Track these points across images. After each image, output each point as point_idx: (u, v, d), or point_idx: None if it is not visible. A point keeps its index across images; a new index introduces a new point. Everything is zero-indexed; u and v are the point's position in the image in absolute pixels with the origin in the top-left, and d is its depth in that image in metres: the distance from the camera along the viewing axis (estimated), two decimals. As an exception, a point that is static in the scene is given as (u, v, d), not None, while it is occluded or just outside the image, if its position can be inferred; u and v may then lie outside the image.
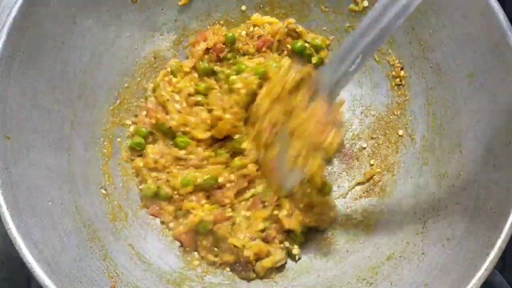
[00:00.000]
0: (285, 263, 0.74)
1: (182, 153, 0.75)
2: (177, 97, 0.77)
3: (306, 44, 0.79)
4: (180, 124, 0.76)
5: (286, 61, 0.74)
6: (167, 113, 0.77)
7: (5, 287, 0.76)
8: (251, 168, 0.73)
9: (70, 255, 0.61)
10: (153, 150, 0.76)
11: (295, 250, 0.73)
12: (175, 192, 0.74)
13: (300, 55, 0.79)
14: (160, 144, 0.77)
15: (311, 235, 0.76)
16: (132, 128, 0.78)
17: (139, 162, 0.77)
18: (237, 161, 0.74)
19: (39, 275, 0.55)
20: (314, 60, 0.79)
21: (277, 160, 0.72)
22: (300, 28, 0.80)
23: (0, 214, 0.57)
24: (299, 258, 0.74)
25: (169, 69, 0.79)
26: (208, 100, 0.77)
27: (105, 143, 0.76)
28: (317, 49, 0.80)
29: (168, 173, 0.75)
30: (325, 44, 0.80)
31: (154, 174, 0.76)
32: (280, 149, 0.71)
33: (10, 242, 0.56)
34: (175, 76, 0.79)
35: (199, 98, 0.78)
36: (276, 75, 0.72)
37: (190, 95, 0.78)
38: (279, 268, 0.73)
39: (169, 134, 0.77)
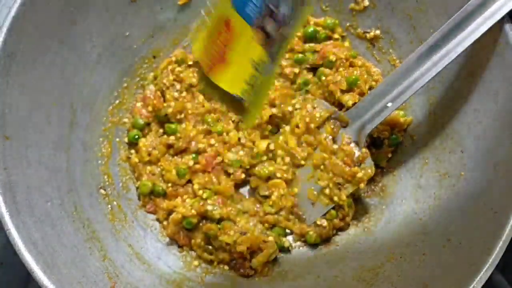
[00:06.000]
0: (279, 257, 0.75)
1: (172, 138, 0.76)
2: (177, 86, 0.78)
3: (318, 28, 0.79)
4: (177, 111, 0.76)
5: (312, 100, 0.75)
6: (164, 101, 0.78)
7: (4, 288, 0.76)
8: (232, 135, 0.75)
9: (69, 255, 0.61)
10: (145, 143, 0.77)
11: (286, 242, 0.74)
12: (170, 185, 0.75)
13: (315, 40, 0.79)
14: (151, 136, 0.78)
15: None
16: (128, 122, 0.79)
17: (134, 158, 0.77)
18: (219, 126, 0.76)
19: (38, 275, 0.55)
20: (336, 35, 0.79)
21: (298, 196, 0.74)
22: None
23: (-1, 214, 0.57)
24: (292, 248, 0.75)
25: (174, 59, 0.79)
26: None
27: (104, 143, 0.76)
28: (331, 29, 0.79)
29: (162, 168, 0.76)
30: (336, 24, 0.80)
31: (149, 168, 0.77)
32: (301, 185, 0.74)
33: (9, 242, 0.56)
34: (179, 66, 0.79)
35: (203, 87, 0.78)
36: (300, 113, 0.74)
37: (191, 85, 0.78)
38: (280, 271, 0.74)
39: (165, 123, 0.78)
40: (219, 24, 0.51)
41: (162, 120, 0.78)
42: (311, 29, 0.79)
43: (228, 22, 0.50)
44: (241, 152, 0.75)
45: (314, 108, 0.73)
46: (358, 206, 0.76)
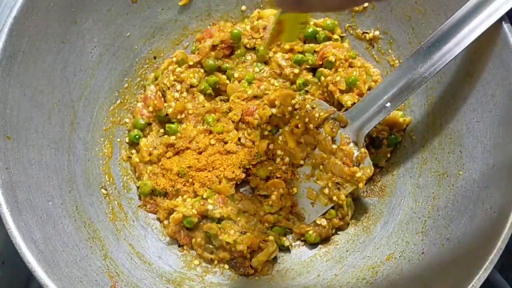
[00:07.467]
0: (284, 260, 0.75)
1: (172, 138, 0.77)
2: (178, 87, 0.78)
3: (318, 28, 0.80)
4: (177, 112, 0.77)
5: (312, 101, 0.75)
6: (165, 101, 0.78)
7: (5, 287, 0.76)
8: (233, 135, 0.76)
9: (71, 254, 0.61)
10: (146, 143, 0.77)
11: (286, 241, 0.74)
12: (171, 185, 0.75)
13: (314, 40, 0.80)
14: (152, 135, 0.78)
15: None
16: (129, 122, 0.79)
17: (135, 158, 0.77)
18: (219, 126, 0.76)
19: (39, 275, 0.55)
20: (335, 36, 0.80)
21: (297, 195, 0.74)
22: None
23: (0, 213, 0.57)
24: (291, 248, 0.75)
25: (174, 59, 0.80)
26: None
27: (105, 143, 0.76)
28: (330, 30, 0.80)
29: (162, 167, 0.76)
30: (335, 25, 0.80)
31: (149, 168, 0.77)
32: (301, 185, 0.74)
33: (10, 242, 0.56)
34: (179, 66, 0.79)
35: (204, 88, 0.79)
36: (300, 113, 0.74)
37: (192, 86, 0.79)
38: (280, 270, 0.74)
39: (165, 123, 0.79)
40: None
41: (163, 120, 0.79)
42: (311, 29, 0.79)
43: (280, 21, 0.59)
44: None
45: (314, 108, 0.74)
46: (357, 206, 0.77)
